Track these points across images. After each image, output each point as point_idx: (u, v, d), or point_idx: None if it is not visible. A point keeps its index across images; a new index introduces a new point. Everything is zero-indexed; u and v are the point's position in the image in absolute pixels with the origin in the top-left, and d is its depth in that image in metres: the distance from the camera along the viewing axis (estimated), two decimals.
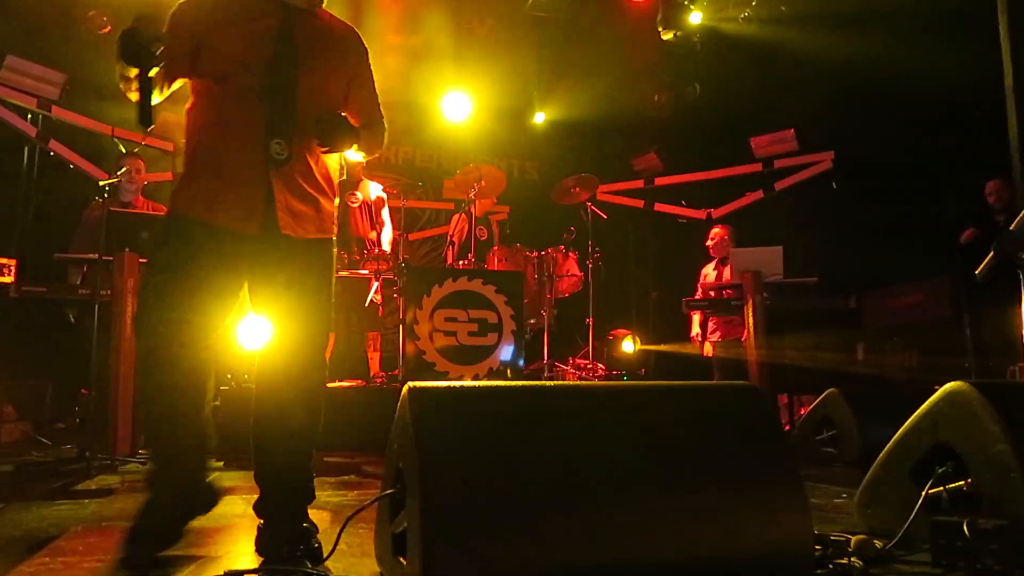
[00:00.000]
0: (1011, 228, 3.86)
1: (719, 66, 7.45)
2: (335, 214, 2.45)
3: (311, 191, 2.32)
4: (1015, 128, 4.28)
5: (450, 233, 6.49)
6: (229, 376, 5.44)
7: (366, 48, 2.53)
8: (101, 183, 4.33)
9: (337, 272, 5.67)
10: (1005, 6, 4.36)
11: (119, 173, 4.66)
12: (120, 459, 3.96)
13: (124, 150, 5.43)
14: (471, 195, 6.22)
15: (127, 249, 4.23)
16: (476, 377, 5.45)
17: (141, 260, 4.28)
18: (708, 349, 6.34)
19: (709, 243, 6.48)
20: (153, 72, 2.08)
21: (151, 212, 5.02)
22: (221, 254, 2.21)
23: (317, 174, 2.36)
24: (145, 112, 2.14)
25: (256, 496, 2.35)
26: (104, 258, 4.15)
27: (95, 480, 3.67)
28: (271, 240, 2.23)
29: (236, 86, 2.25)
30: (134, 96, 2.15)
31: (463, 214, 6.40)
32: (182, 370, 2.20)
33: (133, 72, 2.07)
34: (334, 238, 2.43)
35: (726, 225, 6.65)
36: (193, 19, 2.28)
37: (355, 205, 5.88)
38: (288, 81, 2.26)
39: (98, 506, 3.06)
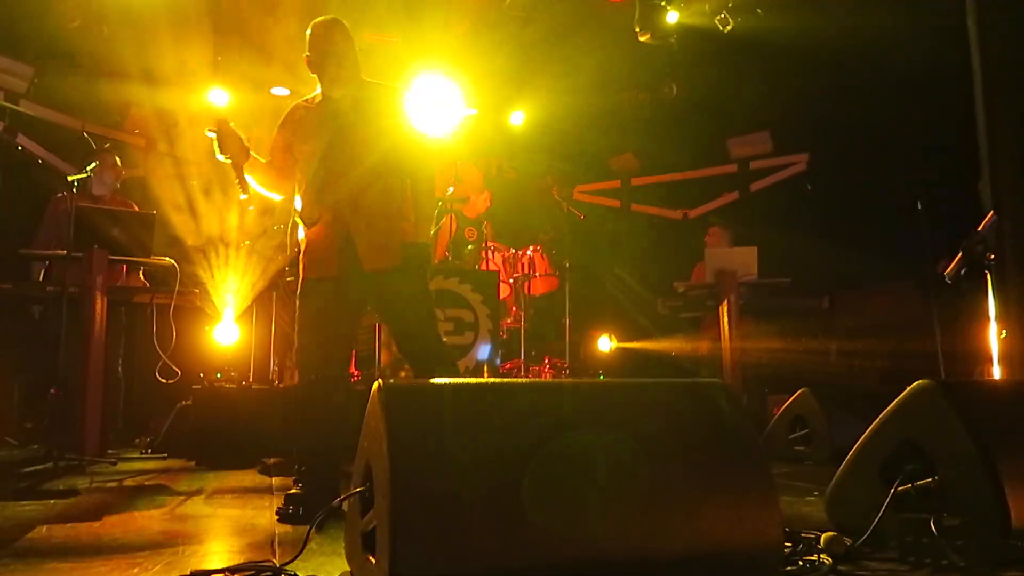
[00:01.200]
0: (978, 229, 3.93)
1: (696, 67, 7.50)
2: None
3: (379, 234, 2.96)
4: (983, 128, 4.35)
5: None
6: (201, 375, 5.38)
7: None
8: (69, 178, 4.25)
9: None
10: (974, 3, 4.43)
11: (88, 168, 4.56)
12: (88, 459, 3.90)
13: (95, 146, 5.33)
14: (447, 192, 6.20)
15: (96, 245, 4.14)
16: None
17: (111, 257, 4.21)
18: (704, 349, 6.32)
19: (707, 240, 6.49)
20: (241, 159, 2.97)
21: (124, 206, 4.93)
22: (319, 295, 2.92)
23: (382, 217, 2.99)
24: (243, 184, 3.01)
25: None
26: (72, 254, 4.07)
27: (62, 480, 3.61)
28: (345, 276, 2.91)
29: (328, 171, 2.93)
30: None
31: (452, 215, 6.36)
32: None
33: (227, 159, 2.96)
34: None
35: (723, 226, 6.63)
36: (292, 126, 3.06)
37: None
38: (353, 151, 2.93)
39: (64, 506, 3.01)
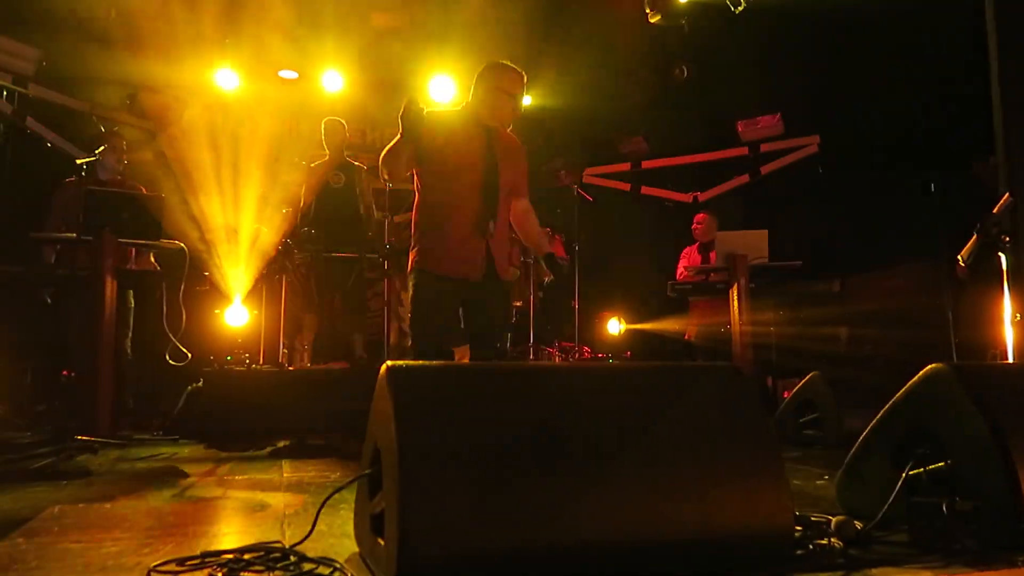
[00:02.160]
0: (994, 211, 3.88)
1: (706, 49, 7.42)
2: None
3: (506, 251, 3.55)
4: (999, 112, 4.28)
5: None
6: (212, 358, 5.41)
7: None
8: (78, 161, 4.25)
9: (321, 254, 5.66)
10: None
11: (97, 151, 4.56)
12: (99, 441, 3.92)
13: (103, 129, 5.33)
14: None
15: (107, 228, 4.14)
16: (460, 359, 5.43)
17: (120, 239, 4.21)
18: (690, 332, 6.38)
19: (695, 227, 6.50)
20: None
21: (130, 188, 4.92)
22: (451, 292, 3.36)
23: (507, 240, 3.60)
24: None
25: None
26: (83, 238, 4.08)
27: (73, 462, 3.63)
28: (489, 281, 3.39)
29: (461, 183, 3.35)
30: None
31: None
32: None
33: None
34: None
35: (711, 212, 6.66)
36: (429, 128, 3.30)
37: (338, 186, 5.83)
38: (494, 181, 3.39)
39: (75, 488, 3.03)
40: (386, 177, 3.42)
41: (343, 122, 5.97)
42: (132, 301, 4.75)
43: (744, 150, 8.08)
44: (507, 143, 3.54)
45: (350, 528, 2.09)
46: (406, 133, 3.22)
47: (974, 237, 4.31)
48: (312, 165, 5.93)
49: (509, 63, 3.55)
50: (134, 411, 4.98)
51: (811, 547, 2.00)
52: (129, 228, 4.24)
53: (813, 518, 2.15)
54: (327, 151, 5.94)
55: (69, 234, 4.23)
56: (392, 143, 3.30)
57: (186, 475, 3.37)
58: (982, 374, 2.31)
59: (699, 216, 6.59)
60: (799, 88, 7.32)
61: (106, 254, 4.14)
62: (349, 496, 2.13)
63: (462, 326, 3.44)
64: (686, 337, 6.39)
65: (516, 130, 3.74)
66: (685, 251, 6.57)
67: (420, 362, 1.77)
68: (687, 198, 8.30)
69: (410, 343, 3.46)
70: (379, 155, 3.42)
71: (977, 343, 5.11)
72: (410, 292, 3.46)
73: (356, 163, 6.04)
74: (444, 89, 7.55)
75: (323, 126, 5.97)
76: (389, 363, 1.73)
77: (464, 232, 3.33)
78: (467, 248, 3.34)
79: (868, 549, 2.03)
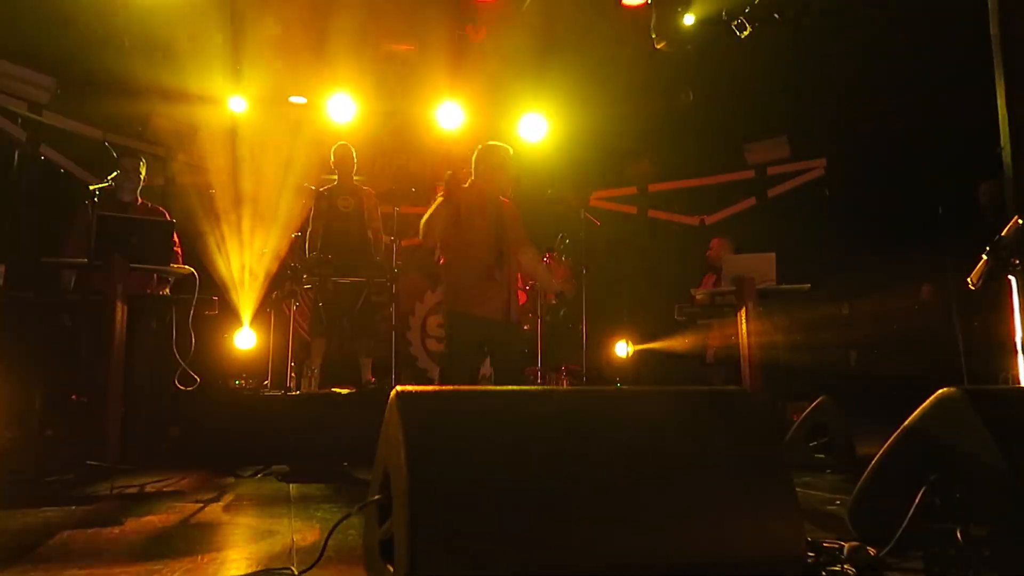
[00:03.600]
0: (1003, 234, 3.87)
1: (712, 72, 7.47)
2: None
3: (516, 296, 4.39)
4: (1006, 132, 4.29)
5: None
6: (220, 383, 5.41)
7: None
8: (91, 187, 4.29)
9: (332, 279, 5.68)
10: (996, 7, 4.38)
11: (110, 177, 4.60)
12: (109, 466, 3.92)
13: (115, 155, 5.38)
14: None
15: (116, 253, 4.17)
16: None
17: (132, 265, 4.24)
18: (709, 355, 6.37)
19: (709, 252, 6.54)
20: None
21: (152, 212, 4.93)
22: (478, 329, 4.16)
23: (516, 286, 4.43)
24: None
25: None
26: (94, 262, 4.11)
27: (83, 487, 3.63)
28: (507, 321, 4.22)
29: (480, 244, 4.18)
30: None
31: None
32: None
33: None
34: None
35: (724, 237, 6.67)
36: (459, 199, 4.21)
37: (347, 210, 5.87)
38: (504, 240, 4.25)
39: (84, 513, 3.03)
40: (423, 238, 4.21)
41: (352, 148, 6.02)
42: (154, 325, 4.75)
43: (750, 173, 8.10)
44: (507, 209, 4.37)
45: (358, 555, 2.08)
46: (448, 198, 4.10)
47: (983, 260, 4.31)
48: (321, 190, 5.98)
49: (496, 143, 4.39)
50: (143, 435, 4.97)
51: (824, 573, 1.98)
52: (140, 253, 4.28)
53: (825, 544, 2.13)
54: (336, 176, 5.99)
55: (80, 259, 4.26)
56: (434, 208, 4.12)
57: (194, 501, 3.36)
58: (994, 398, 2.29)
59: (713, 241, 6.61)
60: (805, 111, 7.35)
61: (116, 278, 4.16)
62: (358, 522, 2.12)
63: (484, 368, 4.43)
64: (707, 360, 6.39)
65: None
66: (705, 277, 6.59)
67: (430, 387, 1.77)
68: (694, 221, 8.32)
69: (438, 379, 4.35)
70: (390, 177, 3.69)
71: (988, 366, 5.08)
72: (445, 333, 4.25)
73: (365, 188, 6.08)
74: (452, 116, 7.62)
75: (333, 151, 6.03)
76: (399, 388, 1.73)
77: (486, 280, 4.13)
78: (490, 293, 4.14)
79: None
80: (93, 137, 6.69)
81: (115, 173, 4.78)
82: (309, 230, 5.88)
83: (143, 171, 5.02)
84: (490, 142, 4.45)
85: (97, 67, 6.21)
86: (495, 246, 4.20)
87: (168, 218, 4.90)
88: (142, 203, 4.98)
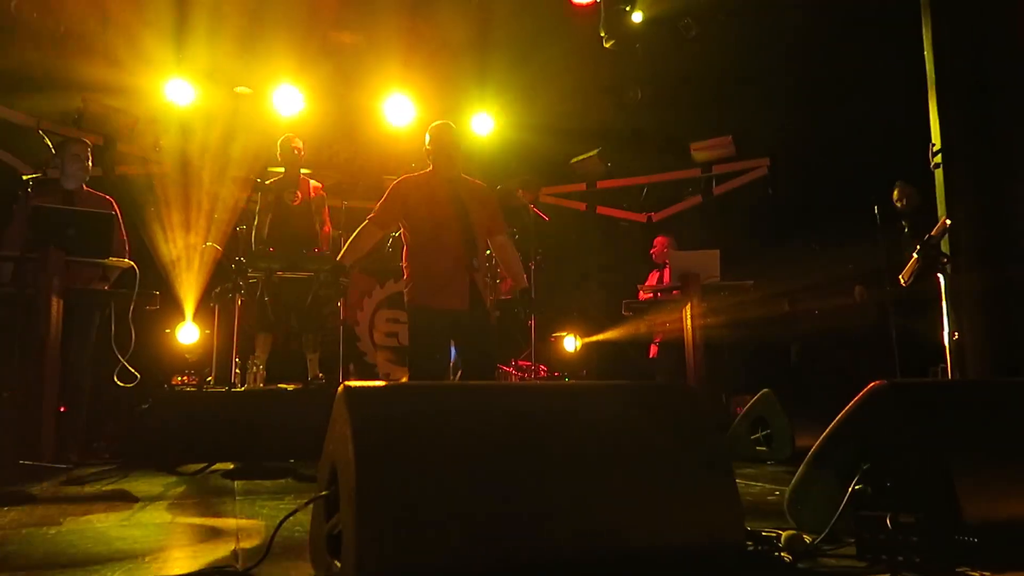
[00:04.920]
0: (932, 234, 4.04)
1: (660, 71, 7.58)
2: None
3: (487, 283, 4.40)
4: (937, 134, 4.46)
5: None
6: (162, 380, 5.28)
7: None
8: (24, 177, 4.14)
9: (278, 273, 5.59)
10: (928, 12, 4.55)
11: (46, 167, 4.45)
12: (44, 465, 3.80)
13: (50, 143, 5.20)
14: None
15: (51, 245, 4.03)
16: None
17: (68, 257, 4.11)
18: (652, 351, 6.50)
19: (653, 251, 6.66)
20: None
21: (98, 201, 4.73)
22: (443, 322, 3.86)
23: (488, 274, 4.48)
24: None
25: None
26: (28, 255, 3.97)
27: (16, 487, 3.52)
28: (474, 311, 3.90)
29: (444, 232, 3.88)
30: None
31: None
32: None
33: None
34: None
35: (668, 235, 6.80)
36: (403, 195, 4.00)
37: (293, 203, 5.78)
38: (469, 226, 3.93)
39: (18, 514, 2.93)
40: (340, 256, 4.10)
41: (299, 140, 5.94)
42: (95, 319, 4.59)
43: (696, 171, 8.25)
44: (472, 188, 4.10)
45: (305, 551, 2.07)
46: (389, 202, 3.96)
47: (913, 259, 4.48)
48: (267, 183, 5.88)
49: (443, 121, 4.17)
50: (81, 433, 4.83)
51: (761, 561, 2.05)
52: (77, 245, 4.14)
53: (764, 532, 2.20)
54: (282, 169, 5.90)
55: (12, 253, 4.12)
56: (376, 214, 3.98)
57: (135, 499, 3.29)
58: (920, 391, 2.40)
59: (657, 239, 6.73)
60: (750, 111, 7.51)
61: (51, 271, 4.03)
62: (304, 518, 2.11)
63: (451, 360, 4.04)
64: (652, 354, 6.52)
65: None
66: (651, 275, 6.71)
67: (377, 382, 1.77)
68: (641, 218, 8.44)
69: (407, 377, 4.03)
70: (338, 170, 3.63)
71: (920, 359, 5.28)
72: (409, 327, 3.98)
73: (312, 182, 6.00)
74: (401, 110, 7.57)
75: (279, 144, 5.93)
76: (346, 383, 1.73)
77: (449, 269, 3.85)
78: (454, 283, 3.84)
79: (816, 562, 2.08)
80: (27, 125, 6.45)
81: (50, 163, 4.59)
82: (255, 223, 5.78)
83: (89, 158, 4.80)
84: (438, 121, 4.20)
85: (30, 57, 5.98)
86: (464, 232, 3.91)
87: (115, 207, 4.72)
88: (88, 191, 4.76)
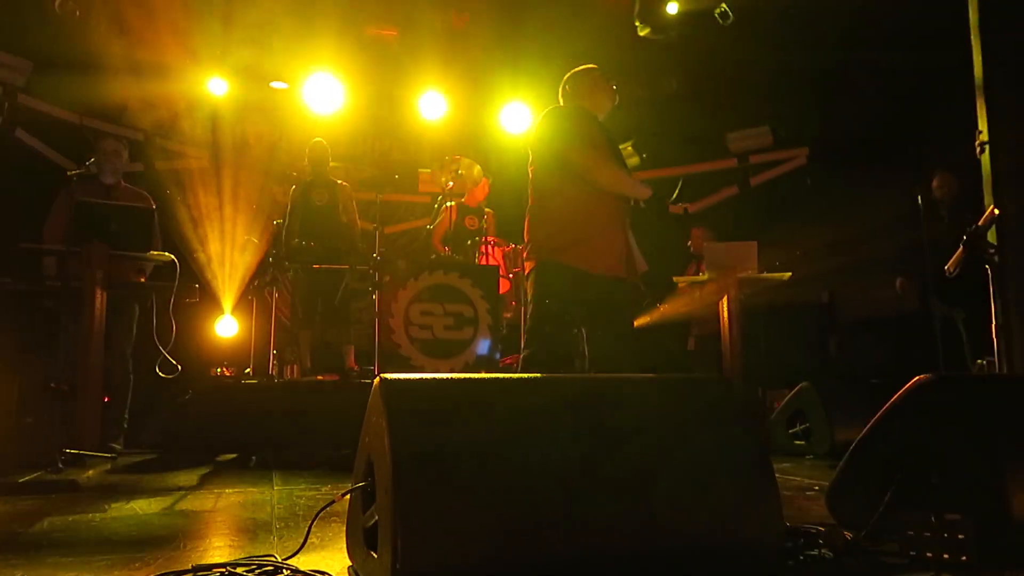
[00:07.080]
0: (979, 224, 3.92)
1: (696, 61, 7.47)
2: None
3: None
4: (985, 123, 4.33)
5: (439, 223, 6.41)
6: (203, 370, 5.38)
7: None
8: (68, 173, 4.23)
9: (311, 265, 5.65)
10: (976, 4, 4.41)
11: (88, 163, 4.53)
12: (88, 454, 3.90)
13: (94, 138, 5.30)
14: (448, 186, 6.20)
15: (95, 239, 4.11)
16: (452, 371, 5.42)
17: (112, 251, 4.19)
18: (690, 343, 6.44)
19: (690, 243, 6.60)
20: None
21: (135, 196, 4.81)
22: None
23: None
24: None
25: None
26: (72, 248, 4.06)
27: (62, 475, 3.61)
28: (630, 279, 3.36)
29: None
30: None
31: (454, 204, 6.33)
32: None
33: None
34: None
35: (703, 227, 6.72)
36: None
37: (321, 204, 5.89)
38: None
39: (65, 501, 3.01)
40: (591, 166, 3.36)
41: (326, 144, 6.03)
42: (138, 313, 4.68)
43: (733, 162, 8.13)
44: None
45: (342, 541, 2.09)
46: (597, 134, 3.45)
47: (960, 249, 4.36)
48: (295, 186, 6.00)
49: (587, 66, 3.80)
50: (125, 423, 4.94)
51: (801, 557, 2.01)
52: (120, 239, 4.22)
53: (804, 529, 2.16)
54: (311, 171, 6.00)
55: (58, 246, 4.21)
56: (589, 150, 3.38)
57: (176, 488, 3.35)
58: (969, 385, 2.33)
59: (694, 231, 6.65)
60: (788, 100, 7.38)
61: (95, 265, 4.11)
62: (341, 509, 2.13)
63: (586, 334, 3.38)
64: (689, 346, 6.47)
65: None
66: (689, 267, 6.65)
67: (413, 376, 1.77)
68: (677, 210, 8.35)
69: (526, 351, 3.22)
70: (374, 164, 3.49)
71: (965, 353, 5.15)
72: (531, 290, 3.31)
73: (339, 182, 6.07)
74: (434, 105, 7.59)
75: (308, 149, 6.04)
76: (382, 375, 1.73)
77: (608, 225, 3.35)
78: (612, 242, 3.34)
79: (859, 559, 2.04)
80: (70, 121, 6.59)
81: (92, 160, 4.67)
82: (286, 223, 5.86)
83: (125, 153, 4.89)
84: (579, 68, 3.84)
85: (75, 49, 6.10)
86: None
87: (151, 202, 4.81)
88: (125, 186, 4.86)
